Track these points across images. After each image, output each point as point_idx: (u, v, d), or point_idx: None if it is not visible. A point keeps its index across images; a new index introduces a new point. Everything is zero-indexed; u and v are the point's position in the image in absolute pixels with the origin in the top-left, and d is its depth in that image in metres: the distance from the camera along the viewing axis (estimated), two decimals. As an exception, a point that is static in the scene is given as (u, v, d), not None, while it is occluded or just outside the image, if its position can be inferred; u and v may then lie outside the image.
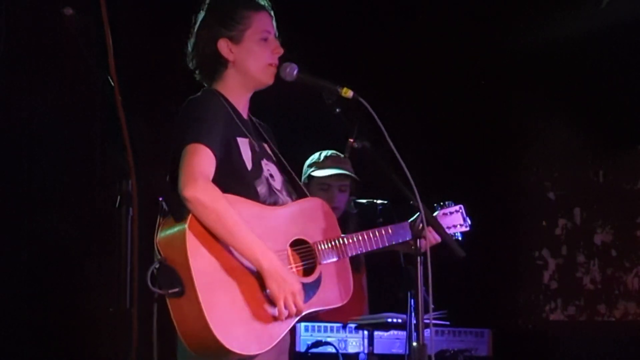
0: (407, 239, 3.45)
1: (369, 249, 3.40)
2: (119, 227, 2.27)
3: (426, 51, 6.08)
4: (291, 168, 3.40)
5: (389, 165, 3.14)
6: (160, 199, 2.92)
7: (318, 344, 4.21)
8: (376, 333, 4.32)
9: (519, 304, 6.39)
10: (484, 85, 6.18)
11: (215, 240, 2.96)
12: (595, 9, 5.76)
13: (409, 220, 3.41)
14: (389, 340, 4.40)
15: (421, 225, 3.19)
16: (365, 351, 4.29)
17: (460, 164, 6.20)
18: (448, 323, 4.46)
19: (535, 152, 6.45)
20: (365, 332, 4.30)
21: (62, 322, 4.72)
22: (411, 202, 3.14)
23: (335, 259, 3.25)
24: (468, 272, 5.60)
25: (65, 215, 4.78)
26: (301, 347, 4.20)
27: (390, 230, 3.45)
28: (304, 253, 3.21)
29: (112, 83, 2.23)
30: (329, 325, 4.29)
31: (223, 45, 3.21)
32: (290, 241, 3.17)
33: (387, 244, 3.45)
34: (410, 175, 3.07)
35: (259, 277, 3.00)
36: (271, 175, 3.25)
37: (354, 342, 4.31)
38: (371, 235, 3.40)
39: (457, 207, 3.86)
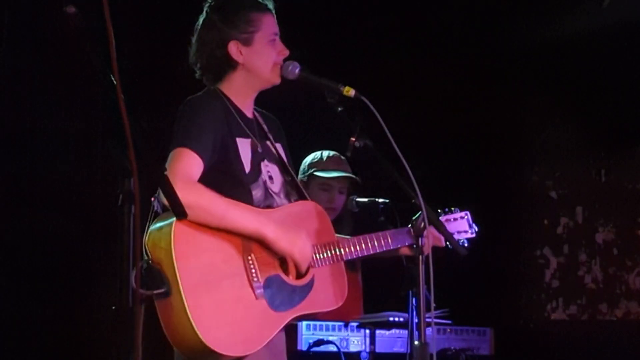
0: (406, 243, 3.46)
1: (365, 254, 3.39)
2: (121, 225, 2.26)
3: (428, 50, 6.08)
4: (293, 166, 3.40)
5: (390, 163, 3.14)
6: (153, 198, 2.92)
7: (320, 342, 4.21)
8: (378, 332, 4.32)
9: (521, 302, 6.39)
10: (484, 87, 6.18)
11: (202, 241, 2.95)
12: (595, 9, 5.77)
13: (413, 218, 3.41)
14: (390, 339, 4.40)
15: (423, 224, 3.19)
16: (367, 350, 4.29)
17: (462, 162, 6.20)
18: (450, 322, 4.46)
19: (537, 151, 6.45)
20: (367, 331, 4.30)
21: (64, 320, 4.72)
22: (413, 200, 3.15)
23: (328, 263, 3.24)
24: (470, 271, 5.59)
25: (67, 214, 4.78)
26: (303, 346, 4.20)
27: (389, 237, 3.45)
28: None
29: (114, 81, 2.22)
30: (330, 324, 4.29)
31: (233, 48, 3.21)
32: None
33: (384, 250, 3.44)
34: (412, 174, 3.07)
35: (247, 276, 3.00)
36: (270, 177, 3.24)
37: (356, 341, 4.31)
38: (368, 241, 3.40)
39: (462, 214, 3.84)
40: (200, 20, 3.28)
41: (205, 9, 3.28)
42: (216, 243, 2.99)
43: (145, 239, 2.94)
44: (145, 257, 2.91)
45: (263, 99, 3.38)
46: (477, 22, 6.11)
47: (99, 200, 4.63)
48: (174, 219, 2.89)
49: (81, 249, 4.83)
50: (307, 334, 4.22)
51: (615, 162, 6.16)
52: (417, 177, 3.08)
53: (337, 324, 4.30)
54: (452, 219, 3.81)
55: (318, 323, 4.26)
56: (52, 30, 4.49)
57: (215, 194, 2.98)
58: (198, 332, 2.83)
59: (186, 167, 2.97)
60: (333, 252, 3.26)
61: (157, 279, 2.86)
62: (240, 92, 3.24)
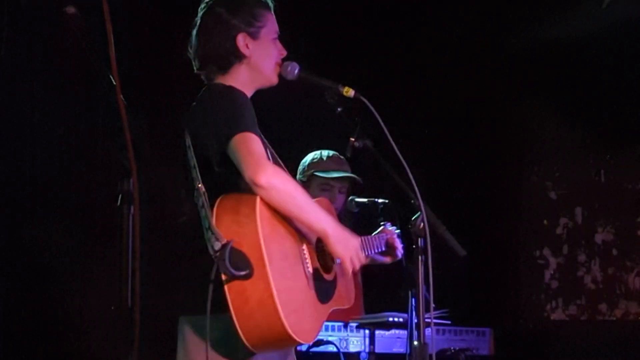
0: (380, 250, 3.68)
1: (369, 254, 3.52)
2: (120, 226, 2.27)
3: (427, 50, 6.09)
4: (291, 166, 3.41)
5: (390, 164, 3.14)
6: (200, 185, 2.91)
7: (319, 343, 4.21)
8: (377, 332, 4.32)
9: (520, 303, 6.40)
10: (483, 87, 6.19)
11: (279, 226, 2.95)
12: (595, 9, 5.77)
13: (412, 219, 3.42)
14: (390, 339, 4.40)
15: (422, 224, 3.19)
16: (367, 350, 4.29)
17: (462, 163, 6.21)
18: (449, 322, 4.46)
19: (536, 151, 6.46)
20: (367, 331, 4.30)
21: (63, 321, 4.73)
22: (412, 201, 3.15)
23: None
24: (469, 271, 5.60)
25: (67, 214, 4.78)
26: (302, 346, 4.19)
27: (373, 240, 3.65)
28: (321, 251, 3.22)
29: (114, 82, 2.23)
30: (330, 324, 4.29)
31: (241, 40, 3.19)
32: (315, 240, 3.16)
33: (376, 251, 3.66)
34: (411, 175, 3.07)
35: (303, 266, 3.01)
36: None
37: (355, 341, 4.32)
38: (368, 242, 3.55)
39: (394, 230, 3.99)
40: (201, 13, 3.25)
41: (206, 2, 3.27)
42: (285, 230, 3.00)
43: (213, 221, 2.85)
44: (224, 240, 2.82)
45: (263, 98, 3.38)
46: (477, 21, 6.12)
47: (98, 200, 4.63)
48: (256, 200, 2.87)
49: (80, 249, 4.83)
50: (306, 334, 4.21)
51: (615, 162, 6.16)
52: (416, 178, 3.08)
53: (336, 324, 4.30)
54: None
55: (317, 323, 4.26)
56: (52, 31, 4.49)
57: (297, 182, 3.02)
58: (283, 318, 2.79)
59: (261, 150, 2.95)
60: None
61: (240, 261, 2.80)
62: (244, 86, 3.22)
